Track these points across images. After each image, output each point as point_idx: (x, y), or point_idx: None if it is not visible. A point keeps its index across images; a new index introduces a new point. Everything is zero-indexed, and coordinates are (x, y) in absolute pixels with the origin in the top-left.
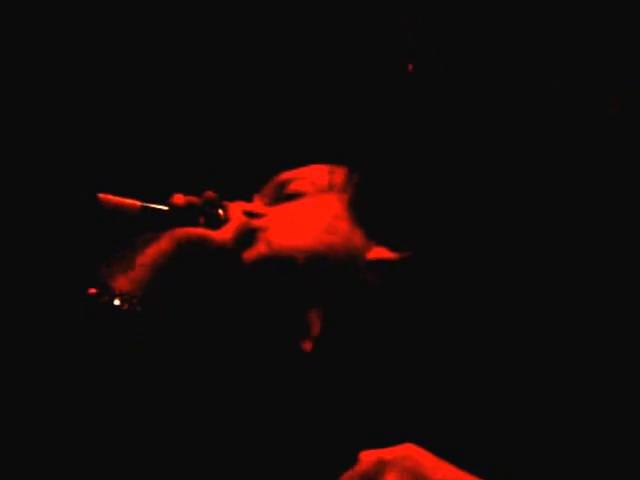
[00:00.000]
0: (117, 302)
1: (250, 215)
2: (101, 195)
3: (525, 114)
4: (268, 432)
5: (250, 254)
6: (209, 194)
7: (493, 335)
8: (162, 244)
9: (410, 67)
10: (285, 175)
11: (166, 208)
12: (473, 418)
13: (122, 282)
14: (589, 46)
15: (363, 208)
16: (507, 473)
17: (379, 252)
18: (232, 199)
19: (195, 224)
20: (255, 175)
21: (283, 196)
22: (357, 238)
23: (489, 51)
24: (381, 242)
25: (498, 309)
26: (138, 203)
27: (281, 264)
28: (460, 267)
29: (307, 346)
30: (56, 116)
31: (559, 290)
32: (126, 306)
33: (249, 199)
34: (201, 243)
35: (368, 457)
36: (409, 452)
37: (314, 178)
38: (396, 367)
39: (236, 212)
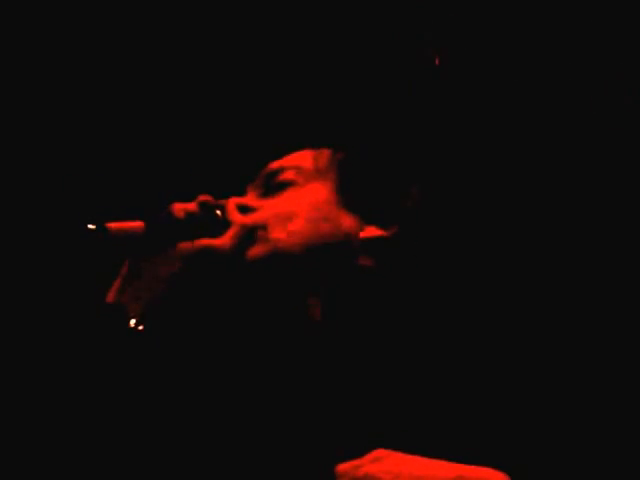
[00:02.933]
0: (133, 323)
1: (245, 209)
2: (109, 225)
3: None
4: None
5: (251, 254)
6: (203, 198)
7: (484, 312)
8: (170, 262)
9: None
10: (273, 165)
11: (167, 223)
12: (469, 409)
13: (136, 303)
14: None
15: (350, 189)
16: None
17: (370, 231)
18: (225, 193)
19: (197, 233)
20: (244, 165)
21: (274, 186)
22: (347, 220)
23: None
24: (371, 221)
25: (486, 286)
26: (141, 224)
27: (280, 259)
28: (448, 240)
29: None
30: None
31: (548, 256)
32: (142, 326)
33: (241, 192)
34: (206, 254)
35: (348, 472)
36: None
37: (301, 165)
38: (393, 347)
39: (232, 211)
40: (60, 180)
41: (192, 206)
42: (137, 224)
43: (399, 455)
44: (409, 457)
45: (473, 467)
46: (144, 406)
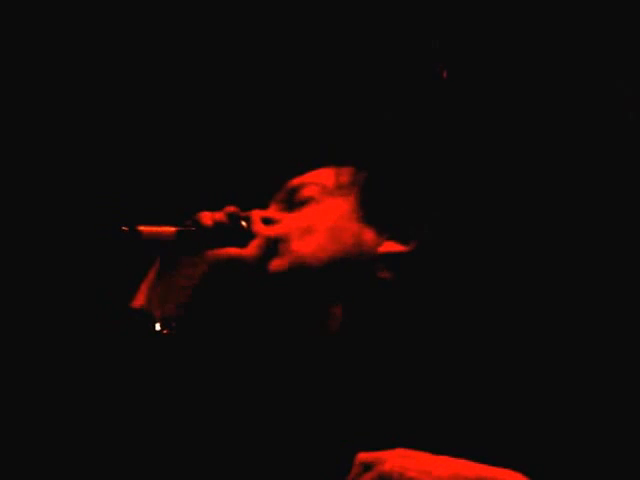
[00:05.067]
0: (158, 327)
1: (268, 222)
2: (140, 227)
3: (530, 113)
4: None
5: (273, 265)
6: (231, 208)
7: (498, 323)
8: (196, 268)
9: (444, 73)
10: (295, 181)
11: (196, 229)
12: (482, 414)
13: (162, 307)
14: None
15: (371, 205)
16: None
17: (390, 246)
18: (248, 207)
19: (224, 241)
20: (267, 181)
21: (296, 201)
22: (367, 235)
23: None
24: (391, 236)
25: (501, 298)
26: (172, 229)
27: (300, 271)
28: (468, 256)
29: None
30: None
31: (570, 275)
32: (167, 330)
33: (264, 206)
34: (232, 263)
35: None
36: (412, 461)
37: (322, 181)
38: (410, 356)
39: (257, 223)
40: (96, 184)
41: (220, 215)
42: (169, 229)
43: (421, 454)
44: (431, 456)
45: (493, 468)
46: (164, 409)
